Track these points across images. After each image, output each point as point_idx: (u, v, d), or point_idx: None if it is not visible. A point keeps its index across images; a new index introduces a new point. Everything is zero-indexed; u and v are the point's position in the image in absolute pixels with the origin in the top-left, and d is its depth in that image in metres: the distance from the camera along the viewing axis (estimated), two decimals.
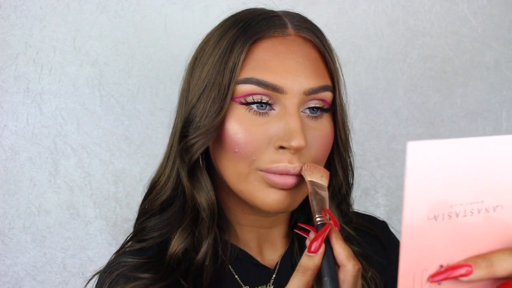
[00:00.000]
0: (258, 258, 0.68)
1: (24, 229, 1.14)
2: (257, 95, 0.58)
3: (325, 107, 0.61)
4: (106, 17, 1.13)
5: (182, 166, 0.63)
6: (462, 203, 0.39)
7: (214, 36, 0.63)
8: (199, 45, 0.67)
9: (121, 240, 1.10)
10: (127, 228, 1.14)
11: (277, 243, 0.70)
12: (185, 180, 0.63)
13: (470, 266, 0.41)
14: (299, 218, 0.71)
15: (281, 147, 0.58)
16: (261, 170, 0.59)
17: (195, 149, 0.61)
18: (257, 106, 0.59)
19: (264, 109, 0.59)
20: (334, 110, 0.64)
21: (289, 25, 0.62)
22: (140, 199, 0.72)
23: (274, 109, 0.59)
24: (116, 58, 1.14)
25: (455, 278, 0.41)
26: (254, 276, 0.66)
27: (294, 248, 0.69)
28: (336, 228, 0.52)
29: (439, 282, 0.41)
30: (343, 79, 0.66)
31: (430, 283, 0.41)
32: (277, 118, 0.59)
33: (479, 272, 0.41)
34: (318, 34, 0.63)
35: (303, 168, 0.58)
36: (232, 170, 0.60)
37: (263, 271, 0.67)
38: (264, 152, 0.58)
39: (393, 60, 1.22)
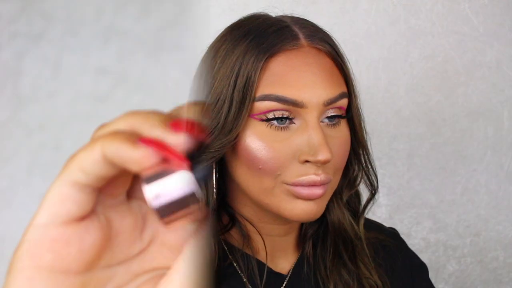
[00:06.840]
0: (271, 266, 0.68)
1: None
2: (278, 111, 0.58)
3: (343, 115, 0.61)
4: None
5: None
6: None
7: (221, 50, 0.61)
8: (207, 56, 0.65)
9: None
10: None
11: (289, 251, 0.70)
12: None
13: None
14: (308, 225, 0.70)
15: (307, 161, 0.58)
16: (286, 184, 0.58)
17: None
18: (277, 121, 0.58)
19: (285, 123, 0.58)
20: (351, 115, 0.64)
21: (300, 35, 0.60)
22: None
23: (294, 123, 0.59)
24: None
25: None
26: (266, 283, 0.66)
27: (306, 256, 0.69)
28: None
29: None
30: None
31: None
32: (298, 132, 0.58)
33: None
34: (330, 42, 0.62)
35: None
36: (256, 186, 0.60)
37: (275, 278, 0.67)
38: (289, 166, 0.58)
39: (394, 60, 1.22)
